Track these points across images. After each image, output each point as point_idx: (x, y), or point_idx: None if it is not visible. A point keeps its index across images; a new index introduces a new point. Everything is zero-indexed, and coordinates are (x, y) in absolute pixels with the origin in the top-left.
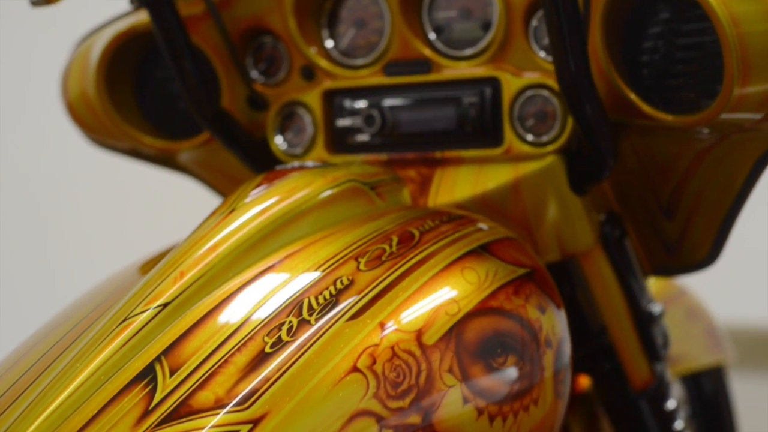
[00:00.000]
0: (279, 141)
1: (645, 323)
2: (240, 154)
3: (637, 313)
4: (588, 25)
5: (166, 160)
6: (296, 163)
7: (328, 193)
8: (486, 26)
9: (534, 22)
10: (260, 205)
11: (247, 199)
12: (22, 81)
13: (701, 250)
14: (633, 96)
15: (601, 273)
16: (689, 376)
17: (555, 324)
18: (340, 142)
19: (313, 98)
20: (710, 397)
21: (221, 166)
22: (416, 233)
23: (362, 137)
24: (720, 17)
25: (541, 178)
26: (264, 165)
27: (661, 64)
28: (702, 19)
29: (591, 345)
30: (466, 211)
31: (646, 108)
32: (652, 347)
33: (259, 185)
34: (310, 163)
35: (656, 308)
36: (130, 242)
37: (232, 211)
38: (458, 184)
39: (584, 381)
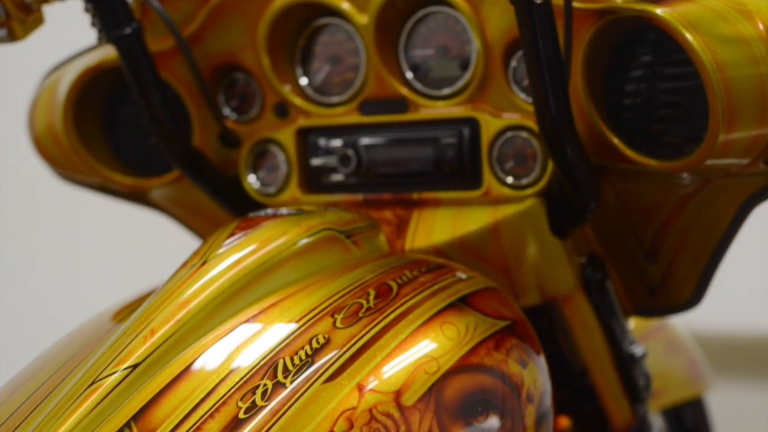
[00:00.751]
0: (252, 179)
1: (627, 365)
2: (212, 193)
3: (618, 355)
4: (569, 68)
5: (137, 197)
6: (270, 210)
7: (303, 242)
8: (464, 65)
9: (513, 63)
10: (233, 256)
11: (220, 250)
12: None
13: (684, 291)
14: (616, 141)
15: (582, 316)
16: (670, 409)
17: (536, 377)
18: (314, 181)
19: (286, 136)
20: (691, 430)
21: (194, 203)
22: (394, 286)
23: (337, 177)
24: (705, 62)
25: (520, 222)
26: (237, 203)
27: (643, 107)
28: (685, 63)
29: (572, 386)
30: (444, 258)
31: (630, 153)
32: (634, 389)
33: (231, 234)
34: (284, 209)
35: (638, 350)
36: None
37: (204, 263)
38: (436, 226)
39: (565, 422)
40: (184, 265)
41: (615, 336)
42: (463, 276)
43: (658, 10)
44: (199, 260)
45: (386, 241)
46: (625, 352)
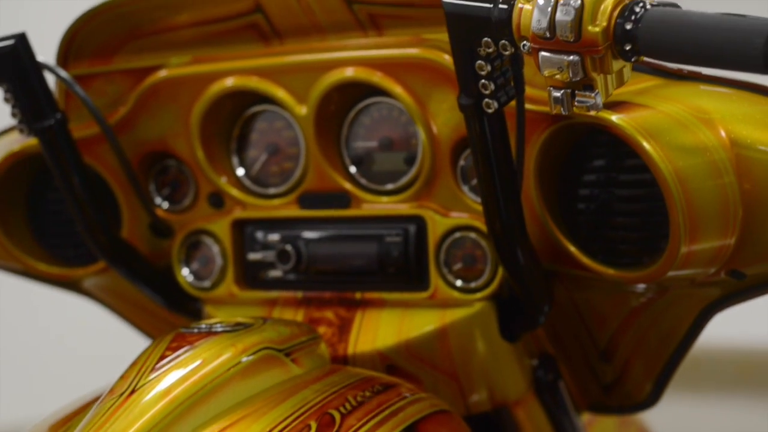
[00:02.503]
0: (185, 272)
1: None
2: (142, 286)
3: None
4: (521, 173)
5: (66, 286)
6: (204, 325)
7: (240, 364)
8: (410, 160)
9: (462, 161)
10: (165, 382)
11: (151, 376)
12: None
13: (640, 392)
14: (572, 248)
15: (534, 419)
16: None
17: None
18: (252, 276)
19: (221, 227)
20: None
21: (128, 293)
22: (337, 416)
23: (276, 273)
24: (664, 173)
25: (469, 326)
26: (169, 297)
27: (598, 213)
28: (641, 169)
29: None
30: (389, 362)
31: (586, 261)
32: None
33: (162, 357)
34: (218, 325)
35: None
36: None
37: (133, 391)
38: (380, 329)
39: None
40: (111, 392)
41: None
42: (413, 398)
43: (614, 117)
44: (128, 388)
45: (328, 351)
46: None
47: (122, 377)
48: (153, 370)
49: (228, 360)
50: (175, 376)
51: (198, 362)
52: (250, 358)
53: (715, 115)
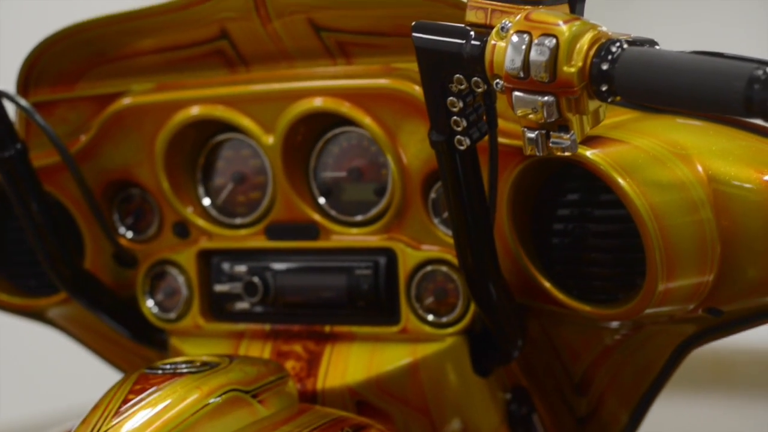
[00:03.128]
0: (150, 304)
1: None
2: (105, 318)
3: None
4: (494, 209)
5: (30, 316)
6: (168, 366)
7: (206, 407)
8: (380, 191)
9: (433, 194)
10: (128, 426)
11: (114, 421)
12: None
13: (615, 426)
14: (547, 284)
15: None
16: None
17: None
18: (218, 308)
19: (187, 258)
20: None
21: (93, 324)
22: None
23: (242, 305)
24: (640, 210)
25: (441, 361)
26: (134, 328)
27: (573, 248)
28: (616, 205)
29: None
30: (360, 398)
31: (561, 296)
32: None
33: (125, 401)
34: (184, 365)
35: None
36: None
37: None
38: (350, 364)
39: None
40: None
41: None
42: None
43: (589, 152)
44: None
45: (296, 386)
46: None
47: (84, 421)
48: (116, 414)
49: (193, 403)
50: (139, 420)
51: (163, 406)
52: (217, 400)
53: (692, 150)
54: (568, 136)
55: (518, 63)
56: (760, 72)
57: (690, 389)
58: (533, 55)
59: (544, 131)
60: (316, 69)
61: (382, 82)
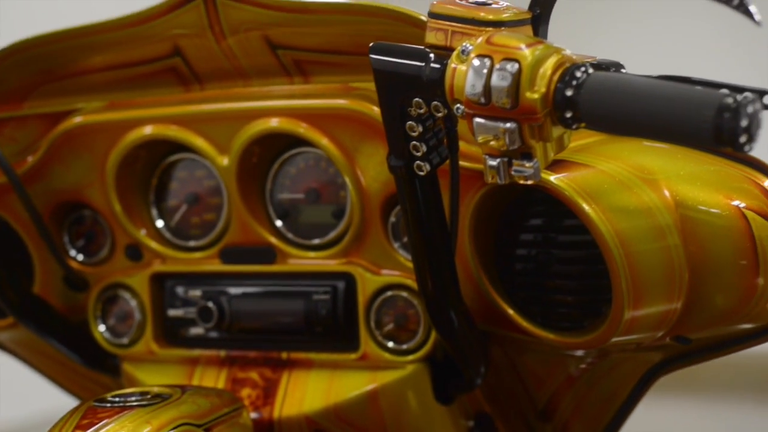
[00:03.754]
0: (102, 329)
1: None
2: (55, 343)
3: None
4: (455, 232)
5: None
6: (118, 398)
7: None
8: (339, 214)
9: (393, 218)
10: None
11: None
12: None
13: None
14: (510, 311)
15: None
16: None
17: None
18: (172, 333)
19: (140, 281)
20: None
21: (44, 348)
22: None
23: (197, 330)
24: (605, 236)
25: (401, 389)
26: (85, 353)
27: (537, 275)
28: (581, 230)
29: None
30: (317, 428)
31: (525, 324)
32: None
33: None
34: (134, 397)
35: None
36: None
37: None
38: (308, 392)
39: None
40: None
41: None
42: None
43: (553, 177)
44: None
45: (252, 416)
46: None
47: None
48: None
49: None
50: None
51: None
52: None
53: (659, 175)
54: (531, 164)
55: (479, 88)
56: (730, 100)
57: (653, 392)
58: (495, 80)
59: (506, 159)
60: (272, 88)
61: (341, 102)
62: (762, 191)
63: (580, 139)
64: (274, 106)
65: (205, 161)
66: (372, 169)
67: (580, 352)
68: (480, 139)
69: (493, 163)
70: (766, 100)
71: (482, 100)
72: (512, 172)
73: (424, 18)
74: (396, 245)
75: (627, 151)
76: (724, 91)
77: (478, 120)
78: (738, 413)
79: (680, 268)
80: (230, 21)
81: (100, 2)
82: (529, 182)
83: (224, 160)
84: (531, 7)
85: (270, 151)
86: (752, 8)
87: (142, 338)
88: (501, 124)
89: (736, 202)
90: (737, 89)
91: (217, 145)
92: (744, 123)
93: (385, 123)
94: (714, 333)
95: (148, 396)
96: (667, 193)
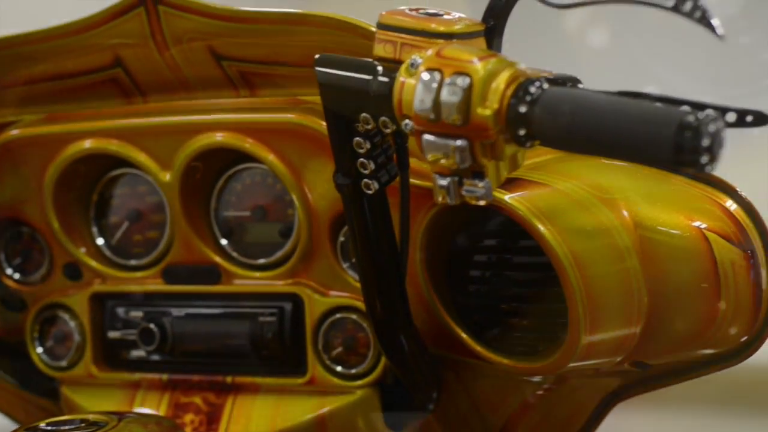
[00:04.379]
0: (39, 350)
1: None
2: None
3: None
4: (406, 253)
5: None
6: (48, 426)
7: None
8: (286, 233)
9: (342, 237)
10: None
11: None
12: None
13: None
14: (463, 335)
15: None
16: None
17: None
18: (112, 356)
19: (79, 302)
20: None
21: None
22: None
23: (139, 353)
24: (561, 258)
25: (350, 415)
26: (23, 376)
27: (491, 298)
28: (536, 251)
29: None
30: None
31: (478, 348)
32: None
33: None
34: (66, 425)
35: None
36: None
37: None
38: (253, 417)
39: None
40: None
41: None
42: None
43: (507, 197)
44: None
45: None
46: None
47: None
48: None
49: None
50: None
51: None
52: None
53: (618, 195)
54: (483, 183)
55: (428, 104)
56: (691, 118)
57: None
58: (444, 95)
59: (456, 178)
60: (217, 100)
61: (287, 116)
62: (724, 212)
63: (536, 157)
64: (218, 120)
65: (147, 177)
66: (320, 187)
67: (536, 378)
68: (429, 157)
69: (443, 182)
70: (728, 117)
71: (431, 116)
72: (463, 192)
73: (373, 29)
74: (345, 266)
75: (585, 170)
76: (685, 108)
77: (427, 137)
78: (697, 425)
79: (639, 292)
80: (173, 30)
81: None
82: (481, 202)
83: (167, 176)
84: (485, 19)
85: (215, 166)
86: (714, 21)
87: (81, 361)
88: (451, 142)
89: (697, 223)
90: (699, 106)
91: (160, 160)
92: (706, 142)
93: (332, 139)
94: (674, 358)
95: (82, 425)
96: (626, 213)
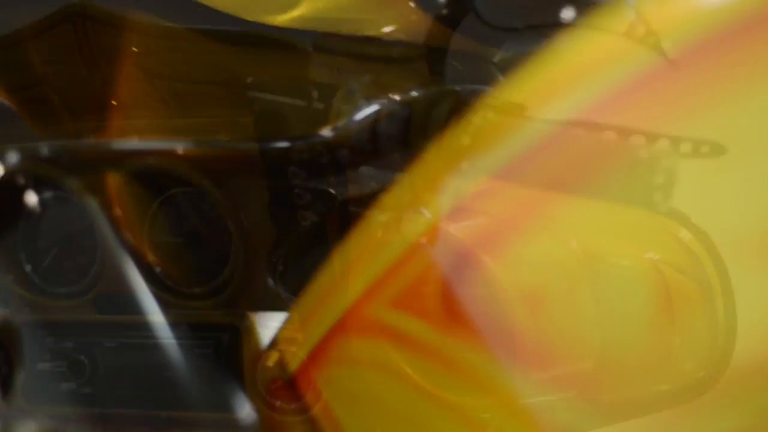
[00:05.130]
0: None
1: None
2: None
3: None
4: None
5: None
6: None
7: None
8: (222, 260)
9: (281, 266)
10: None
11: None
12: None
13: None
14: None
15: None
16: None
17: None
18: (40, 389)
19: (6, 332)
20: None
21: None
22: None
23: (68, 386)
24: (508, 291)
25: None
26: None
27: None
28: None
29: None
30: None
31: None
32: None
33: None
34: None
35: None
36: None
37: None
38: None
39: None
40: None
41: None
42: None
43: (452, 228)
44: None
45: None
46: None
47: None
48: None
49: None
50: None
51: None
52: None
53: (568, 225)
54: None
55: (365, 134)
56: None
57: None
58: (383, 126)
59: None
60: (151, 122)
61: (223, 139)
62: (677, 243)
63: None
64: (151, 142)
65: (77, 200)
66: (258, 213)
67: None
68: (366, 188)
69: (382, 216)
70: (683, 148)
71: (368, 146)
72: (403, 224)
73: (309, 50)
74: (285, 295)
75: (534, 199)
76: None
77: (364, 169)
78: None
79: (590, 325)
80: (103, 47)
81: None
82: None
83: (98, 200)
84: (425, 43)
85: (148, 190)
86: (665, 45)
87: (8, 394)
88: (390, 173)
89: (650, 255)
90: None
91: (90, 184)
92: (659, 180)
93: (266, 168)
94: (627, 395)
95: None
96: (575, 244)
